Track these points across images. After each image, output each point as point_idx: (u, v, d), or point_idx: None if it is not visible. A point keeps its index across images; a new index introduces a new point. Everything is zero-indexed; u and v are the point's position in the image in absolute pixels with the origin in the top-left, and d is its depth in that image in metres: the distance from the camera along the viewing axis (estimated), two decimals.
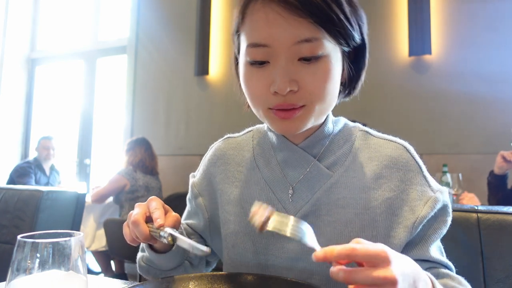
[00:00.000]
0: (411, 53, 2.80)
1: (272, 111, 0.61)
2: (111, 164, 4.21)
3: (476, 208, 0.87)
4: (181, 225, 0.69)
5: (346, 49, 0.62)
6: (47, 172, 3.62)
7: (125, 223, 0.63)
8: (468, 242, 0.83)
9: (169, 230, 0.56)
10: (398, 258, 0.45)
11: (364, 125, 0.74)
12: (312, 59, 0.58)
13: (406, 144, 0.69)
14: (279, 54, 0.58)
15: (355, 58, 0.66)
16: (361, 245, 0.44)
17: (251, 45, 0.59)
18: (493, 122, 2.49)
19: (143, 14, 3.93)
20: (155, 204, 0.62)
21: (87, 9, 4.51)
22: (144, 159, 3.03)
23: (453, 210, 0.87)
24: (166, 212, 0.63)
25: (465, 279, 0.62)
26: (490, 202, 1.93)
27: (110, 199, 3.09)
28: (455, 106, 2.68)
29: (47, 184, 3.61)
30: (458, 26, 2.73)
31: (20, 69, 4.64)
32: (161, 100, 3.74)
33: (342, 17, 0.57)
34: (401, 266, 0.45)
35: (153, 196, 0.64)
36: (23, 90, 4.65)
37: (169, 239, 0.55)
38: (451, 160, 2.51)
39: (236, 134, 0.81)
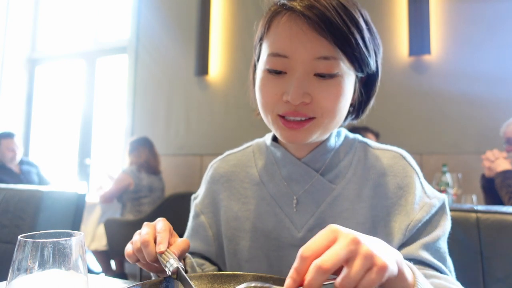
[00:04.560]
0: (410, 53, 2.79)
1: (280, 120, 0.62)
2: (111, 164, 4.21)
3: (475, 208, 0.87)
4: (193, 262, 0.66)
5: (360, 74, 0.64)
6: (16, 170, 3.13)
7: (129, 242, 0.59)
8: (467, 242, 0.84)
9: (175, 263, 0.52)
10: (371, 241, 0.39)
11: (366, 128, 0.75)
12: (327, 76, 0.60)
13: (403, 151, 0.70)
14: (296, 67, 0.60)
15: (366, 84, 0.69)
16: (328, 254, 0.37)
17: (272, 54, 0.61)
18: (492, 121, 2.49)
19: (143, 14, 3.93)
20: (161, 226, 0.58)
21: (87, 9, 4.51)
22: (149, 159, 3.05)
23: (453, 210, 0.87)
24: (172, 236, 0.59)
25: (464, 278, 0.62)
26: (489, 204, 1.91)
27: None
28: (454, 106, 2.68)
29: (19, 182, 3.05)
30: (458, 26, 2.72)
31: (21, 69, 4.64)
32: (161, 100, 3.74)
33: (360, 42, 0.59)
34: (378, 247, 0.39)
35: (162, 218, 0.61)
36: (24, 90, 4.65)
37: (174, 276, 0.51)
38: (451, 160, 2.51)
39: (235, 150, 0.81)
